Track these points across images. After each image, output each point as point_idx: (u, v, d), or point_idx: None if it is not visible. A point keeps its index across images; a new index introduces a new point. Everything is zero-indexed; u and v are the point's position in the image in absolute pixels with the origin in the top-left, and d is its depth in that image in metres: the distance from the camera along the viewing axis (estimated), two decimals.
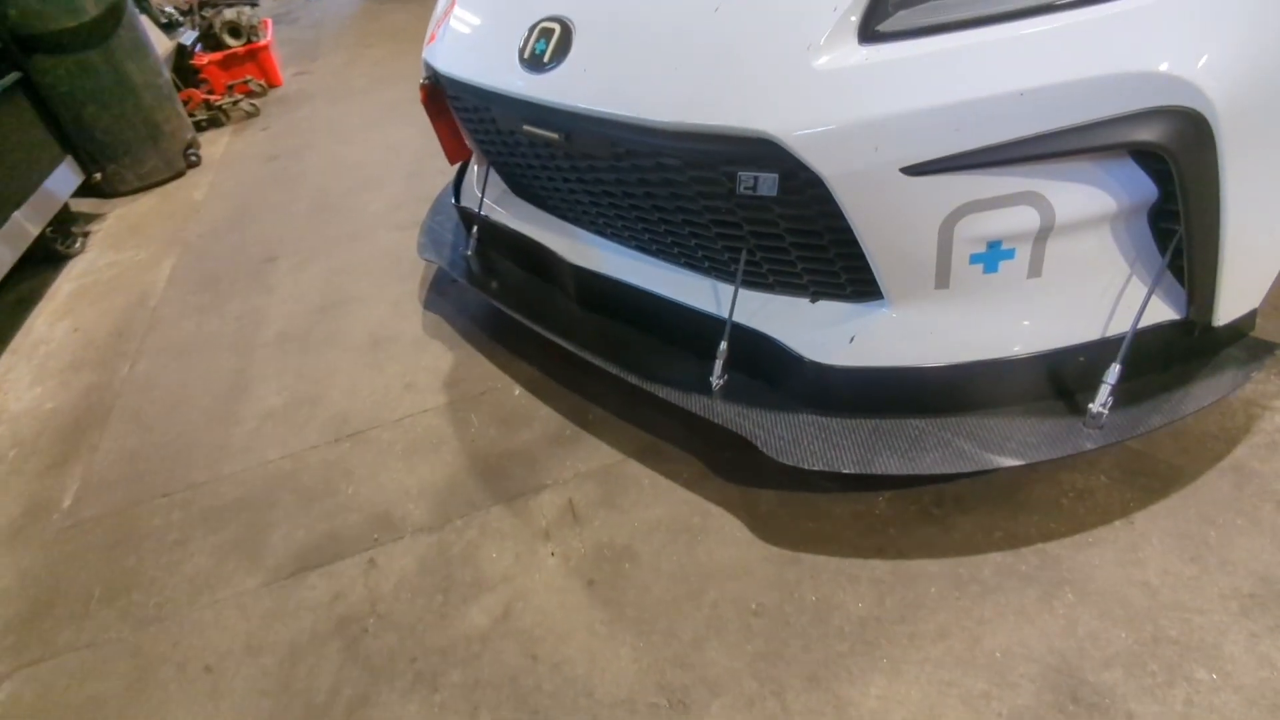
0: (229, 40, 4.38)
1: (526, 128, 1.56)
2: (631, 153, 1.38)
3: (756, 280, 1.44)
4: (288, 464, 1.83)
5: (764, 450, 1.35)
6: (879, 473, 1.26)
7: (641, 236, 1.60)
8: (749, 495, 1.52)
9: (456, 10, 1.78)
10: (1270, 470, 1.36)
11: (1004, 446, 1.25)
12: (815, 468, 1.29)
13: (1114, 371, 1.21)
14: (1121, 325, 1.24)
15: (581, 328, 1.74)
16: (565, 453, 1.71)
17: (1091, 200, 1.15)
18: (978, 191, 1.14)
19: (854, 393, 1.35)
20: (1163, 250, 1.21)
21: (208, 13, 4.47)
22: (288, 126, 4.00)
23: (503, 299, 1.89)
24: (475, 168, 2.19)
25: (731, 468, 1.58)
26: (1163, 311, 1.25)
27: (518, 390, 1.91)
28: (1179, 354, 1.30)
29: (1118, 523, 1.32)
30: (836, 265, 1.32)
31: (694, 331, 1.56)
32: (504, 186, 2.06)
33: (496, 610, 1.40)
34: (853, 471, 1.28)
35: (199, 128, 4.09)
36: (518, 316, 1.83)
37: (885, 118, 1.10)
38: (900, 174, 1.12)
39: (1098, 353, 1.25)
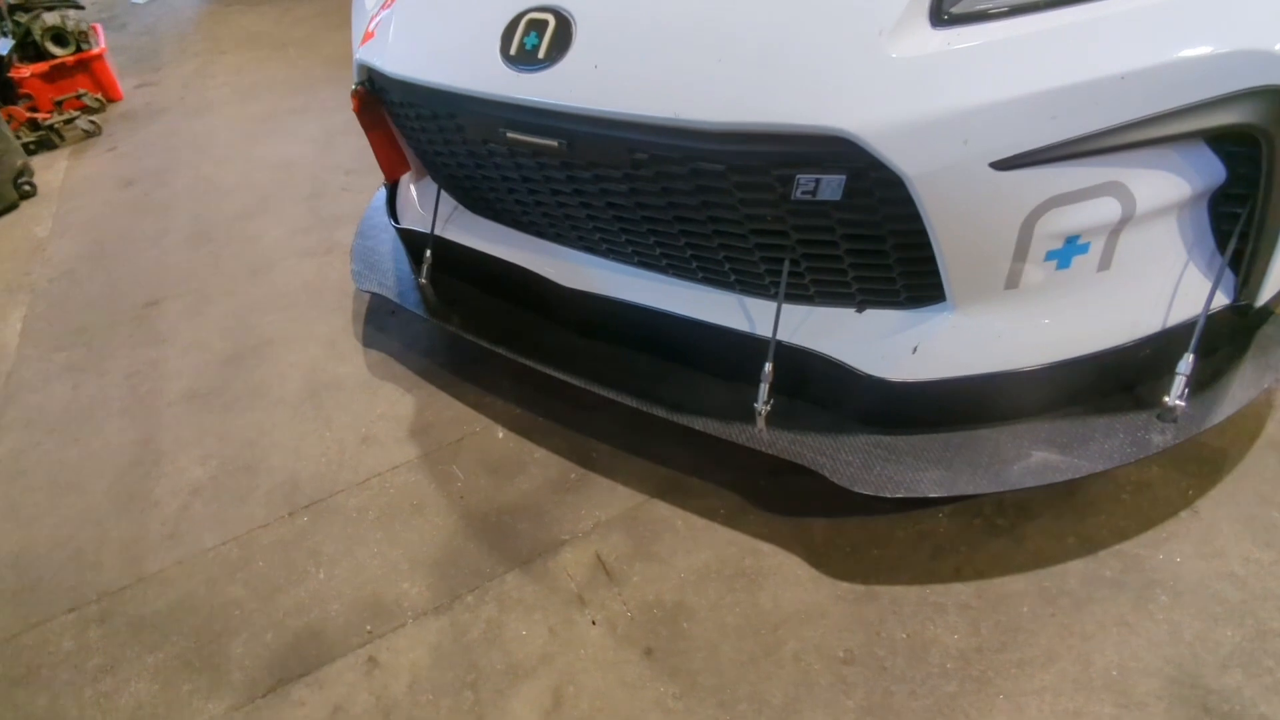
0: (53, 49, 3.78)
1: (512, 135, 1.36)
2: (657, 159, 1.21)
3: (796, 293, 1.32)
4: (233, 550, 1.53)
5: (834, 480, 1.22)
6: (968, 493, 1.17)
7: (652, 253, 1.43)
8: (799, 526, 1.39)
9: (404, 1, 1.54)
10: None
11: (1086, 451, 1.19)
12: (897, 495, 1.18)
13: (1187, 361, 1.17)
14: (1182, 314, 1.21)
15: (582, 358, 1.56)
16: (576, 499, 1.51)
17: (1169, 187, 1.10)
18: (1065, 184, 1.06)
19: (920, 407, 1.25)
20: (1220, 235, 1.19)
21: (22, 17, 3.84)
22: (140, 146, 3.49)
23: (476, 332, 1.67)
24: (413, 185, 1.94)
25: (770, 497, 1.44)
26: (1218, 297, 1.23)
27: (501, 432, 1.69)
28: (1225, 338, 1.29)
29: (1183, 514, 1.30)
30: (895, 271, 1.21)
31: (722, 354, 1.41)
32: (455, 204, 1.83)
33: (544, 700, 1.20)
34: (939, 495, 1.18)
35: (28, 151, 3.49)
36: (502, 351, 1.61)
37: (977, 108, 0.99)
38: (989, 169, 1.03)
39: (1162, 344, 1.21)
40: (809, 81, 1.05)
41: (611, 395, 1.46)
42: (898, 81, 1.02)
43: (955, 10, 1.03)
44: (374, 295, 2.15)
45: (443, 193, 1.84)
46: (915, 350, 1.24)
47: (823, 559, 1.33)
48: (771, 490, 1.45)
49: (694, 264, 1.39)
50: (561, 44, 1.25)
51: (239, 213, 2.77)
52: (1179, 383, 1.18)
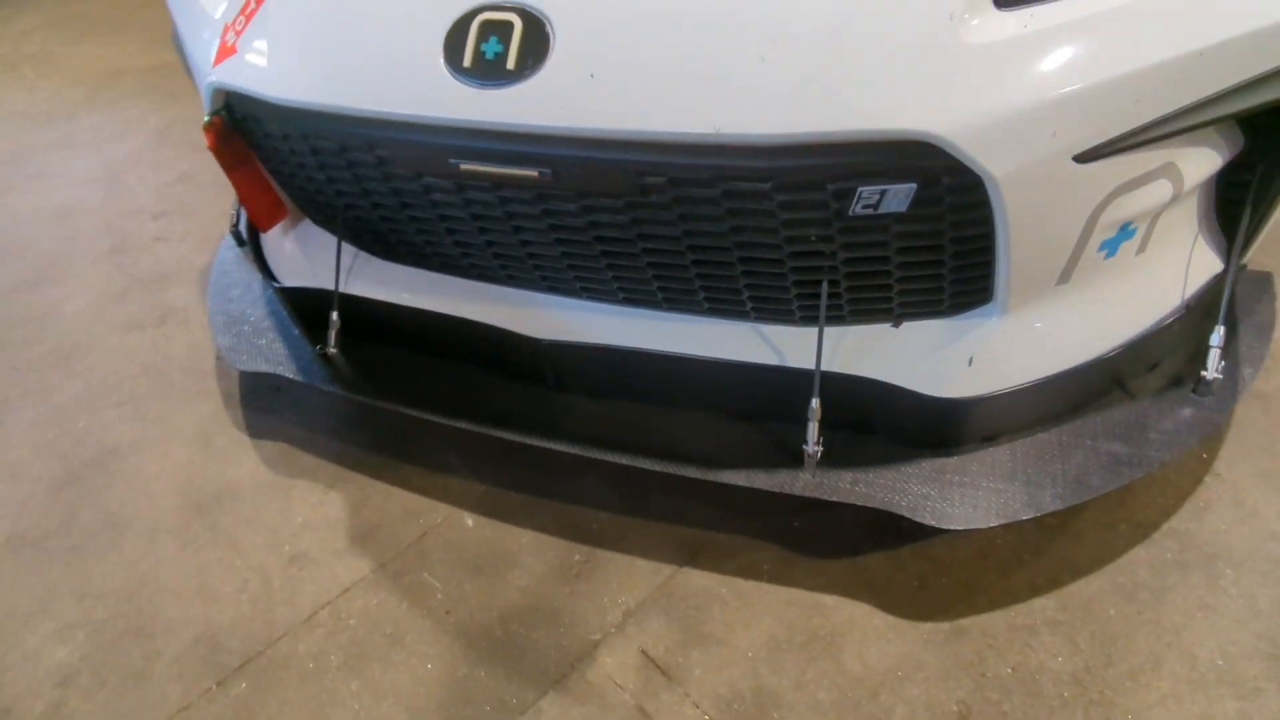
0: None
1: (468, 167, 1.09)
2: (679, 183, 1.00)
3: (828, 315, 1.17)
4: None
5: (916, 519, 1.10)
6: (1056, 509, 1.09)
7: (647, 288, 1.22)
8: (854, 568, 1.26)
9: (285, 4, 1.19)
10: (1273, 388, 1.46)
11: (1148, 440, 1.15)
12: (992, 524, 1.08)
13: (1219, 333, 1.17)
14: (1199, 284, 1.21)
15: (566, 419, 1.32)
16: (592, 587, 1.28)
17: (1208, 163, 1.08)
18: (1132, 170, 0.99)
19: (983, 422, 1.16)
20: (1223, 204, 1.19)
21: None
22: None
23: (419, 404, 1.37)
24: (291, 233, 1.57)
25: (811, 540, 1.30)
26: (1217, 263, 1.24)
27: (470, 519, 1.41)
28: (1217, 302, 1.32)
29: (1208, 480, 1.32)
30: (946, 280, 1.10)
31: (745, 393, 1.24)
32: (356, 251, 1.50)
33: None
34: (1030, 516, 1.09)
35: None
36: (463, 425, 1.33)
37: (1065, 97, 0.89)
38: (1072, 162, 0.93)
39: (1188, 318, 1.20)
40: (878, 79, 0.89)
41: (620, 459, 1.24)
42: (979, 73, 0.89)
43: None
44: (252, 373, 1.74)
45: (316, 236, 1.50)
46: (971, 362, 1.14)
47: (893, 601, 1.21)
48: (809, 532, 1.31)
49: (702, 296, 1.20)
50: (536, 50, 1.00)
51: (15, 283, 2.17)
52: (1214, 355, 1.17)
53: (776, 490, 1.17)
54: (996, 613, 1.18)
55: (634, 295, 1.25)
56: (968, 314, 1.15)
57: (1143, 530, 1.26)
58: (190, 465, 1.57)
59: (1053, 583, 1.21)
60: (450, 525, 1.40)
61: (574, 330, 1.29)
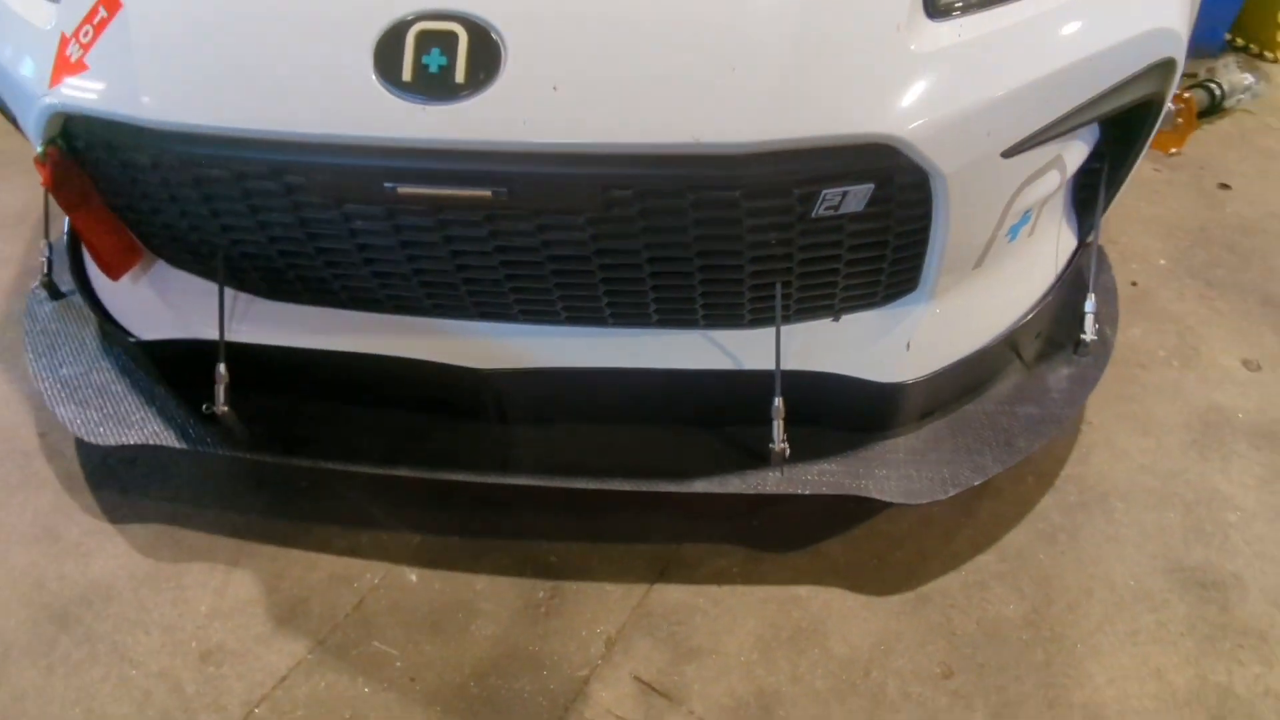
0: None
1: (407, 191, 0.99)
2: (645, 194, 0.98)
3: (771, 315, 1.20)
4: None
5: (885, 499, 1.16)
6: (997, 471, 1.20)
7: (594, 305, 1.18)
8: (818, 557, 1.30)
9: (154, 6, 1.00)
10: (1119, 343, 1.70)
11: (1054, 399, 1.30)
12: (950, 493, 1.16)
13: (1091, 300, 1.34)
14: (1066, 257, 1.38)
15: (519, 451, 1.24)
16: (565, 622, 1.22)
17: (1080, 155, 1.23)
18: (1038, 162, 1.11)
19: (922, 401, 1.24)
20: (1081, 186, 1.38)
21: None
22: None
23: (348, 457, 1.24)
24: (145, 277, 1.35)
25: (773, 536, 1.32)
26: (1074, 240, 1.42)
27: (413, 574, 1.28)
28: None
29: (1084, 427, 1.50)
30: (885, 271, 1.17)
31: (702, 401, 1.24)
32: (233, 293, 1.31)
33: None
34: (979, 482, 1.19)
35: None
36: (403, 472, 1.21)
37: (998, 99, 0.98)
38: (1000, 158, 1.03)
39: (1062, 289, 1.37)
40: (844, 85, 0.93)
41: (583, 484, 1.19)
42: (927, 78, 0.96)
43: (943, 1, 1.00)
44: (109, 447, 1.47)
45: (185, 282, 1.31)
46: (909, 346, 1.22)
47: (859, 580, 1.26)
48: (768, 529, 1.34)
49: (654, 307, 1.19)
50: (487, 62, 0.93)
51: None
52: (1089, 320, 1.34)
53: (751, 492, 1.18)
54: (950, 575, 1.28)
55: (580, 313, 1.21)
56: (899, 302, 1.24)
57: (1046, 479, 1.42)
58: (36, 569, 1.30)
59: (989, 539, 1.33)
60: (391, 584, 1.27)
61: (516, 356, 1.22)
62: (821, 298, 1.19)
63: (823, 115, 0.93)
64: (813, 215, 1.02)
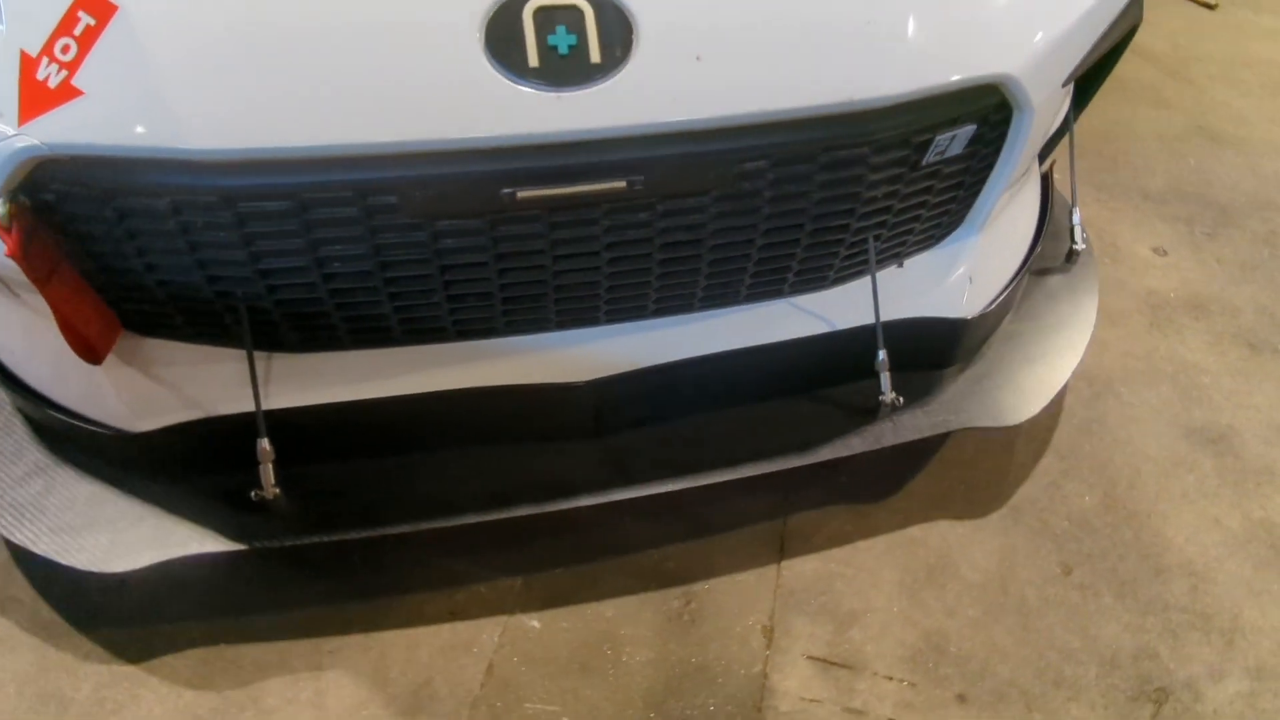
0: None
1: (527, 194, 0.87)
2: (783, 162, 0.94)
3: (857, 269, 1.20)
4: None
5: (992, 425, 1.22)
6: (1066, 381, 1.30)
7: (690, 291, 1.11)
8: (914, 496, 1.33)
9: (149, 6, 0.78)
10: None
11: (1068, 308, 1.43)
12: (1036, 411, 1.24)
13: (1077, 213, 1.48)
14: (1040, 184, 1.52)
15: (630, 461, 1.16)
16: (715, 625, 1.16)
17: (1069, 98, 1.34)
18: (1065, 95, 1.20)
19: (986, 331, 1.31)
20: None
21: None
22: None
23: (441, 513, 1.09)
24: (133, 358, 1.08)
25: (862, 488, 1.34)
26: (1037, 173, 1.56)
27: (534, 620, 1.16)
28: None
29: None
30: (948, 212, 1.21)
31: (800, 368, 1.22)
32: (238, 355, 1.09)
33: None
34: (1055, 394, 1.27)
35: None
36: (520, 513, 1.09)
37: (1070, 29, 1.04)
38: (1060, 88, 1.10)
39: (1053, 211, 1.50)
40: (970, 29, 0.95)
41: (705, 480, 1.14)
42: (1023, 14, 0.99)
43: None
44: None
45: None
46: (971, 280, 1.28)
47: (956, 509, 1.32)
48: (856, 483, 1.34)
49: (747, 283, 1.14)
50: (620, 36, 0.84)
51: None
52: (1078, 230, 1.48)
53: (873, 448, 1.19)
54: (1027, 484, 1.37)
55: (670, 304, 1.14)
56: (950, 240, 1.29)
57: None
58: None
59: (1041, 444, 1.44)
60: (514, 638, 1.14)
61: (611, 362, 1.13)
62: (898, 245, 1.22)
63: (953, 61, 0.94)
64: (923, 163, 1.03)
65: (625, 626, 1.17)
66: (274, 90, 0.80)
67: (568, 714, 1.07)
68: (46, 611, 1.16)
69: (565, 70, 0.83)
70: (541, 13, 0.82)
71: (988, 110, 1.03)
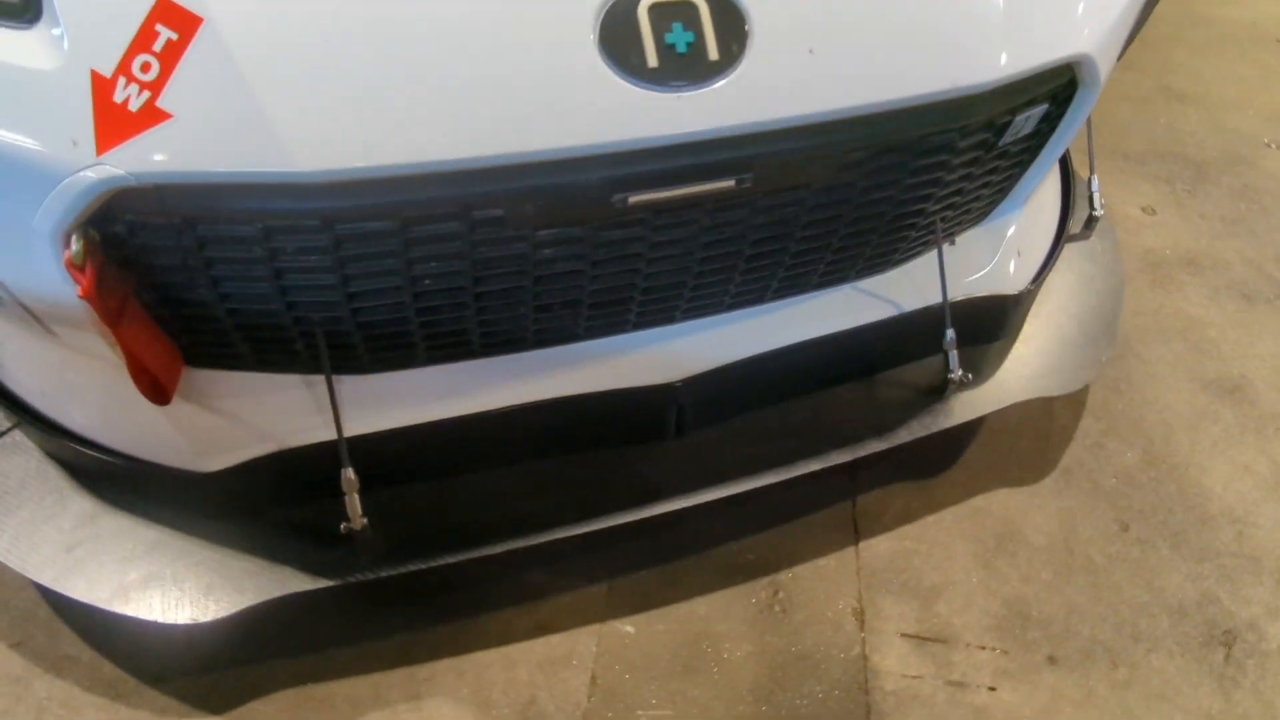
0: None
1: (640, 199, 0.84)
2: (879, 153, 0.93)
3: (917, 252, 1.21)
4: None
5: (1052, 395, 1.26)
6: (1111, 354, 1.34)
7: (766, 284, 1.10)
8: (971, 467, 1.36)
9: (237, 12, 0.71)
10: None
11: (1102, 270, 1.47)
12: (1090, 379, 1.30)
13: (1094, 181, 1.52)
14: None
15: (716, 459, 1.15)
16: (806, 613, 1.17)
17: None
18: None
19: (1034, 302, 1.34)
20: None
21: None
22: None
23: (530, 529, 1.06)
24: (197, 393, 1.00)
25: (920, 464, 1.36)
26: None
27: (628, 625, 1.15)
28: None
29: None
30: (1002, 190, 1.23)
31: (866, 354, 1.23)
32: (307, 381, 1.04)
33: None
34: (1108, 360, 1.32)
35: None
36: (612, 522, 1.07)
37: (1126, 5, 1.06)
38: (1115, 61, 1.12)
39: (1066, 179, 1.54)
40: (1054, 12, 0.95)
41: (804, 469, 1.14)
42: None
43: None
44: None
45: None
46: (1019, 254, 1.31)
47: (1011, 476, 1.36)
48: (914, 460, 1.35)
49: (821, 270, 1.14)
50: (735, 31, 0.81)
51: None
52: (1096, 197, 1.51)
53: (950, 426, 1.21)
54: (1072, 446, 1.42)
55: (747, 297, 1.13)
56: (996, 216, 1.31)
57: None
58: None
59: (1076, 406, 1.49)
60: (611, 646, 1.13)
61: (696, 360, 1.11)
62: (957, 224, 1.23)
63: (1045, 44, 0.94)
64: (1000, 145, 1.04)
65: (719, 623, 1.16)
66: (381, 105, 0.74)
67: (680, 717, 1.07)
68: (109, 669, 1.08)
69: (684, 69, 0.80)
70: (656, 10, 0.79)
71: (1059, 89, 1.04)
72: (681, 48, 0.80)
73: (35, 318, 0.94)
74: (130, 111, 0.72)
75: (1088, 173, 1.46)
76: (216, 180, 0.73)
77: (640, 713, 1.07)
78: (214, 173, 0.73)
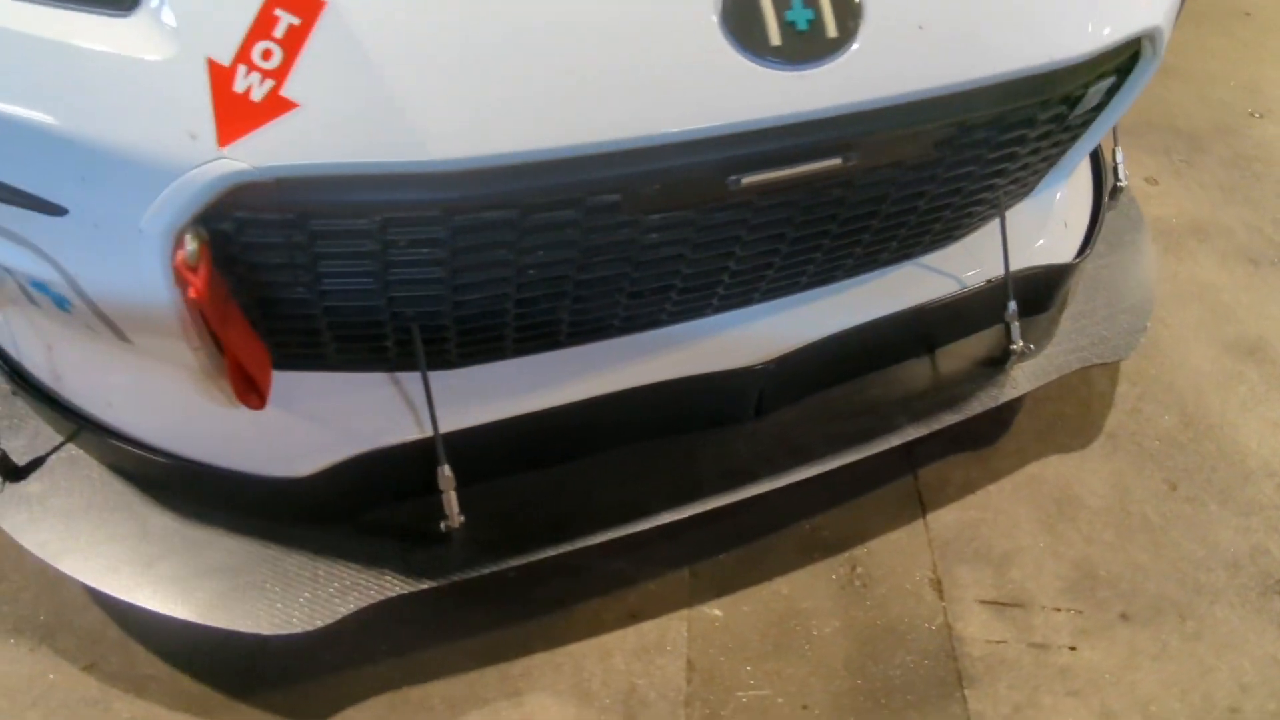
0: None
1: (752, 180, 0.84)
2: (972, 128, 0.94)
3: (971, 227, 1.23)
4: None
5: (1112, 359, 1.29)
6: (1152, 311, 1.38)
7: (839, 264, 1.11)
8: (1020, 436, 1.39)
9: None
10: None
11: (1129, 235, 1.52)
12: (1141, 339, 1.33)
13: (1120, 153, 1.57)
14: None
15: (798, 438, 1.15)
16: (886, 587, 1.19)
17: None
18: None
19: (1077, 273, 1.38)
20: None
21: None
22: None
23: (620, 519, 1.05)
24: (279, 396, 0.97)
25: (974, 435, 1.38)
26: None
27: (715, 609, 1.15)
28: None
29: None
30: (1057, 161, 1.25)
31: (930, 329, 1.24)
32: (390, 380, 1.01)
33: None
34: (1149, 320, 1.36)
35: None
36: (705, 507, 1.06)
37: None
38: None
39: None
40: None
41: (884, 445, 1.15)
42: None
43: None
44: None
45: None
46: (1066, 225, 1.34)
47: (1060, 442, 1.40)
48: (968, 431, 1.34)
49: (894, 247, 1.15)
50: (850, 9, 0.81)
51: None
52: (1120, 168, 1.56)
53: (1017, 395, 1.23)
54: (1113, 411, 1.47)
55: (823, 276, 1.13)
56: (1043, 188, 1.34)
57: None
58: None
59: (1109, 372, 1.54)
60: (703, 630, 1.13)
61: (777, 341, 1.11)
62: (1017, 196, 1.25)
63: (1126, 18, 0.96)
64: (1071, 115, 1.06)
65: (803, 600, 1.17)
66: (515, 90, 0.72)
67: (780, 695, 1.07)
68: (191, 685, 1.04)
69: (805, 47, 0.79)
70: None
71: (1124, 61, 1.06)
72: (802, 25, 0.79)
73: (109, 325, 0.89)
74: (253, 102, 0.68)
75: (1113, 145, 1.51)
76: (344, 172, 0.70)
77: (740, 694, 1.07)
78: (343, 164, 0.70)
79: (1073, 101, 1.03)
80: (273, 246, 0.78)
